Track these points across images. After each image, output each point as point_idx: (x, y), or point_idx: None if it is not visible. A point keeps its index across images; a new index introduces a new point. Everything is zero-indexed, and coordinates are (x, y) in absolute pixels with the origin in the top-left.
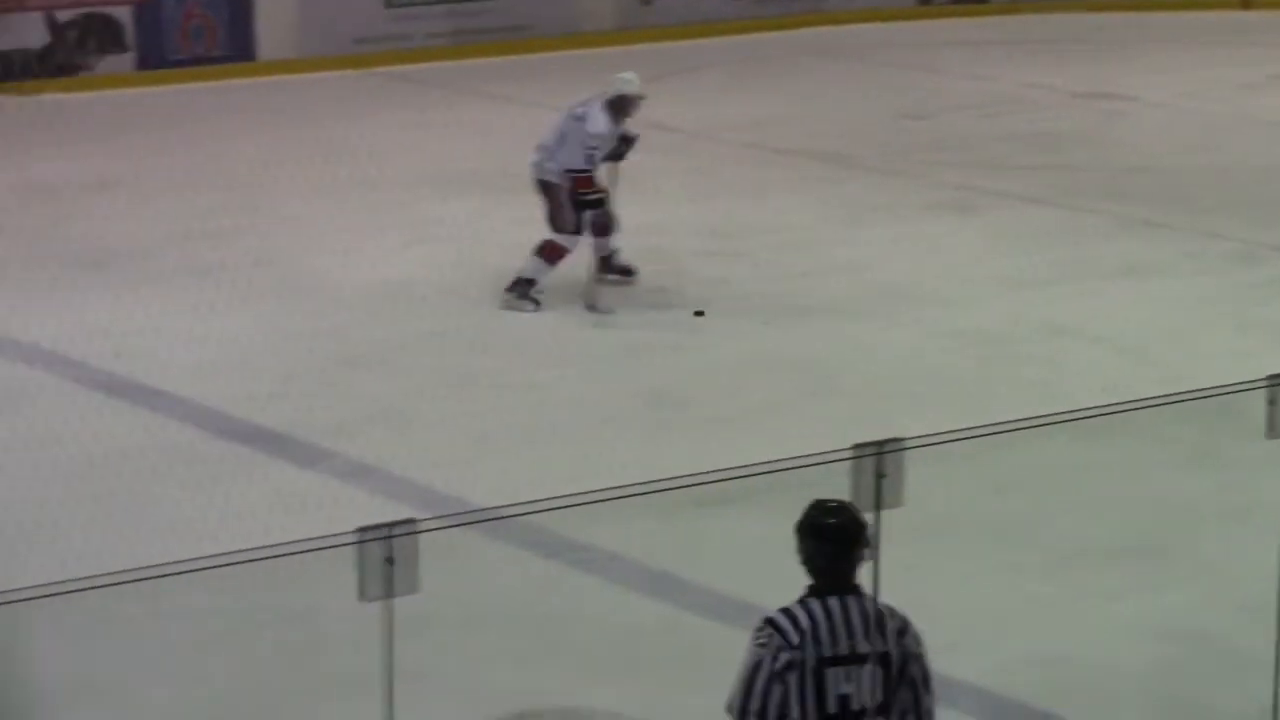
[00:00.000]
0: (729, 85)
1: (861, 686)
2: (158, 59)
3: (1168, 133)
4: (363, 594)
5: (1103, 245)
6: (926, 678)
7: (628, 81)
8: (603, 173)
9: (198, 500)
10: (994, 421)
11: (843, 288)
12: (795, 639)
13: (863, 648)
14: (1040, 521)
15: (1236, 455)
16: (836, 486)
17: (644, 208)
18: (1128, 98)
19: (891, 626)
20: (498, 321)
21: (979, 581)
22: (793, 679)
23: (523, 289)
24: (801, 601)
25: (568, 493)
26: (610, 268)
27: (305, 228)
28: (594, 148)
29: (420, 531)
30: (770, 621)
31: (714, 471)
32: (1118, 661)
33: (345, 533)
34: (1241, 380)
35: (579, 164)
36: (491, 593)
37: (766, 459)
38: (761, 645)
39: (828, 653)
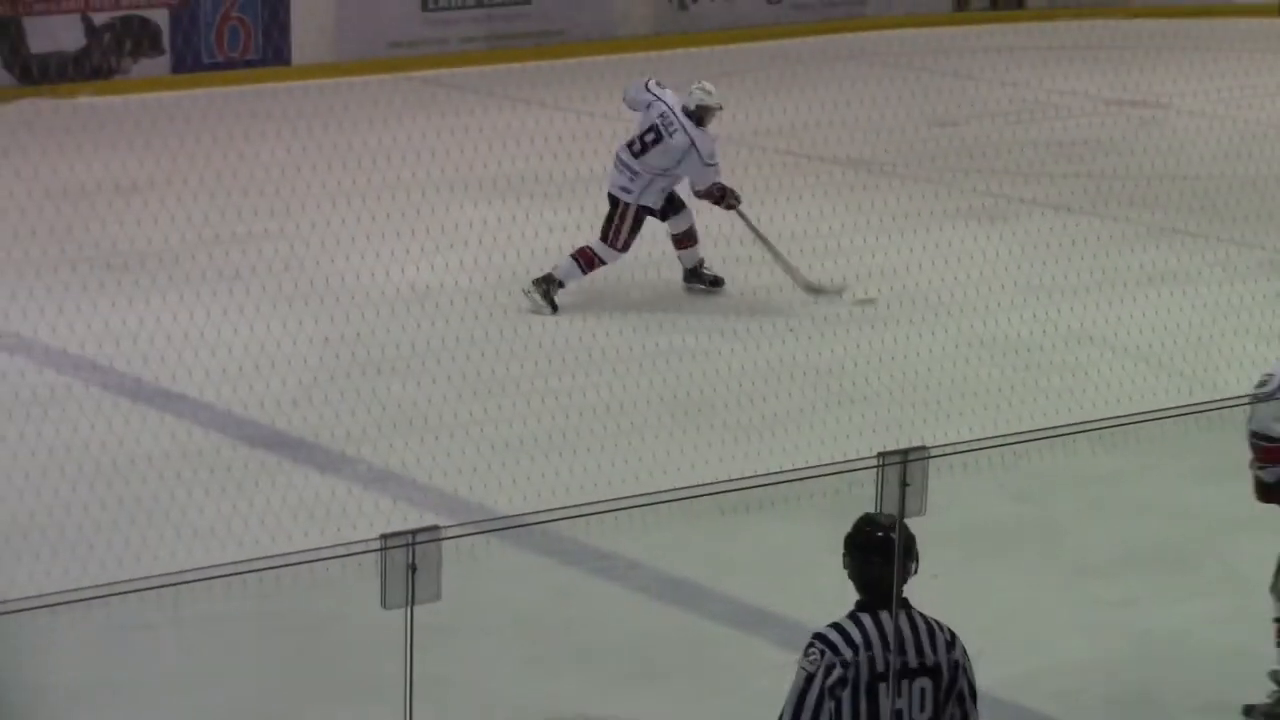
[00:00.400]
0: (764, 90)
1: (913, 701)
2: (193, 62)
3: (1200, 140)
4: (385, 601)
5: (1131, 254)
6: (974, 691)
7: (708, 93)
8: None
9: (221, 506)
10: (1018, 430)
11: (871, 294)
12: (848, 654)
13: (914, 662)
14: (1063, 530)
15: None
16: (861, 495)
17: None
18: (1160, 105)
19: (941, 639)
20: (524, 327)
21: (1001, 591)
22: (845, 695)
23: (548, 286)
24: (851, 616)
25: (591, 500)
26: (700, 278)
27: (333, 232)
28: (716, 163)
29: (443, 539)
30: (820, 637)
31: (738, 479)
32: (1137, 672)
33: (368, 539)
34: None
35: (709, 180)
36: (514, 600)
37: (791, 467)
38: (813, 661)
39: (880, 668)
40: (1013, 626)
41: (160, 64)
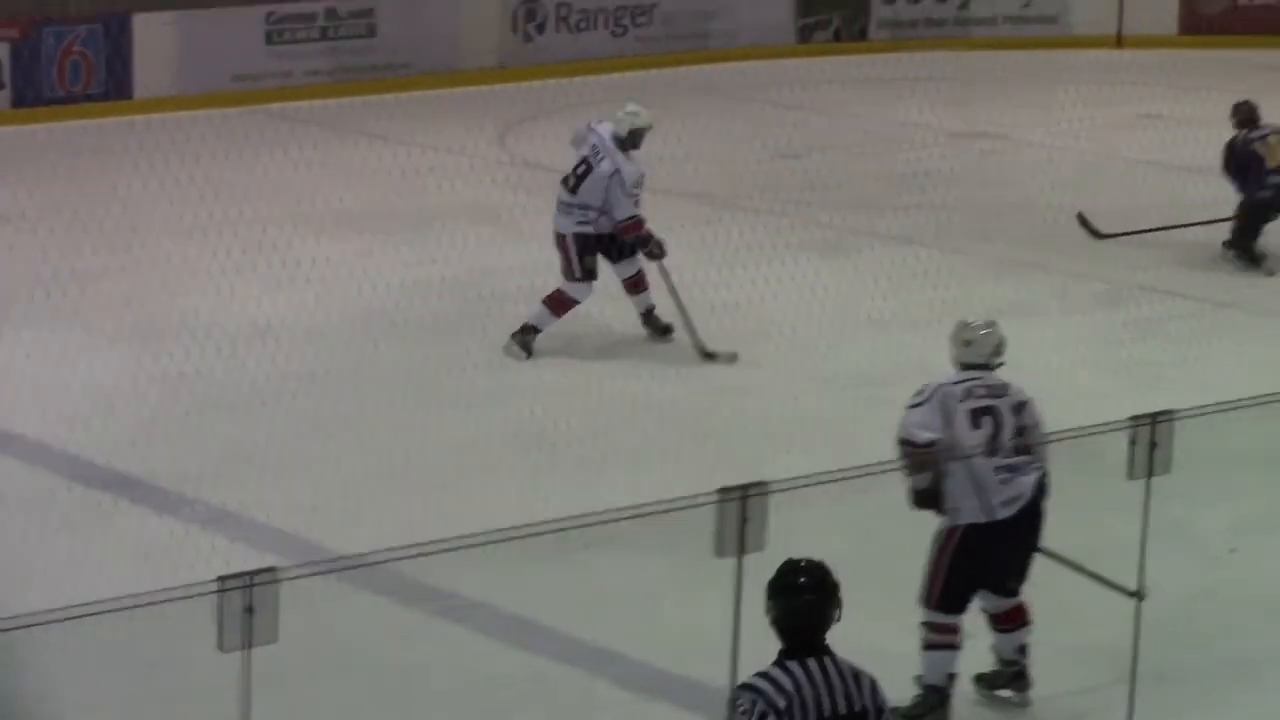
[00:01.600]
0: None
1: None
2: (34, 97)
3: (1040, 172)
4: (222, 644)
5: (972, 286)
6: None
7: (636, 115)
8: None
9: (55, 549)
10: (860, 464)
11: (716, 330)
12: (781, 702)
13: (843, 708)
14: (904, 565)
15: (1097, 496)
16: (701, 530)
17: (522, 248)
18: (1001, 137)
19: (866, 683)
20: (367, 364)
21: (840, 625)
22: None
23: (526, 336)
24: (778, 664)
25: (432, 539)
26: (651, 324)
27: (177, 268)
28: (636, 194)
29: (281, 580)
30: (750, 687)
31: (580, 516)
32: (971, 709)
33: (205, 581)
34: (1104, 421)
35: (629, 212)
36: (353, 642)
37: (633, 503)
38: (744, 713)
39: (813, 715)
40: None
41: (0, 98)
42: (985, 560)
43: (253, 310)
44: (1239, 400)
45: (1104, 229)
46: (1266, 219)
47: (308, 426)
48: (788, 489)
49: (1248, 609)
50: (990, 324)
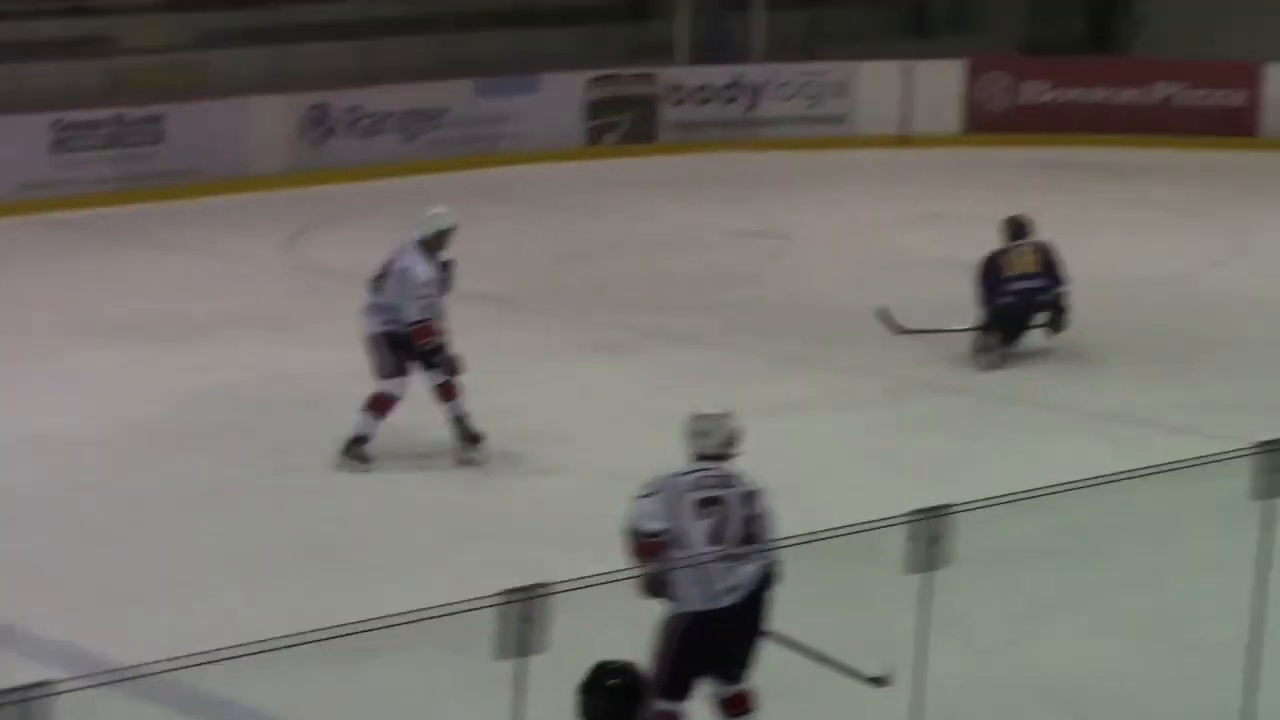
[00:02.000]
0: (399, 227)
1: None
2: None
3: (825, 271)
4: None
5: (757, 384)
6: None
7: (439, 217)
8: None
9: None
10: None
11: (501, 431)
12: None
13: None
14: None
15: (878, 591)
16: (483, 633)
17: (303, 353)
18: (788, 236)
19: None
20: (144, 473)
21: None
22: None
23: (355, 448)
24: None
25: (212, 647)
26: (463, 431)
27: None
28: (425, 295)
29: (58, 693)
30: None
31: (361, 621)
32: None
33: None
34: (884, 517)
35: (415, 315)
36: None
37: (417, 607)
38: None
39: None
40: None
41: None
42: (709, 647)
43: (28, 420)
44: (1016, 493)
45: (900, 326)
46: (1019, 324)
47: (86, 536)
48: (573, 589)
49: (1026, 698)
50: (723, 415)
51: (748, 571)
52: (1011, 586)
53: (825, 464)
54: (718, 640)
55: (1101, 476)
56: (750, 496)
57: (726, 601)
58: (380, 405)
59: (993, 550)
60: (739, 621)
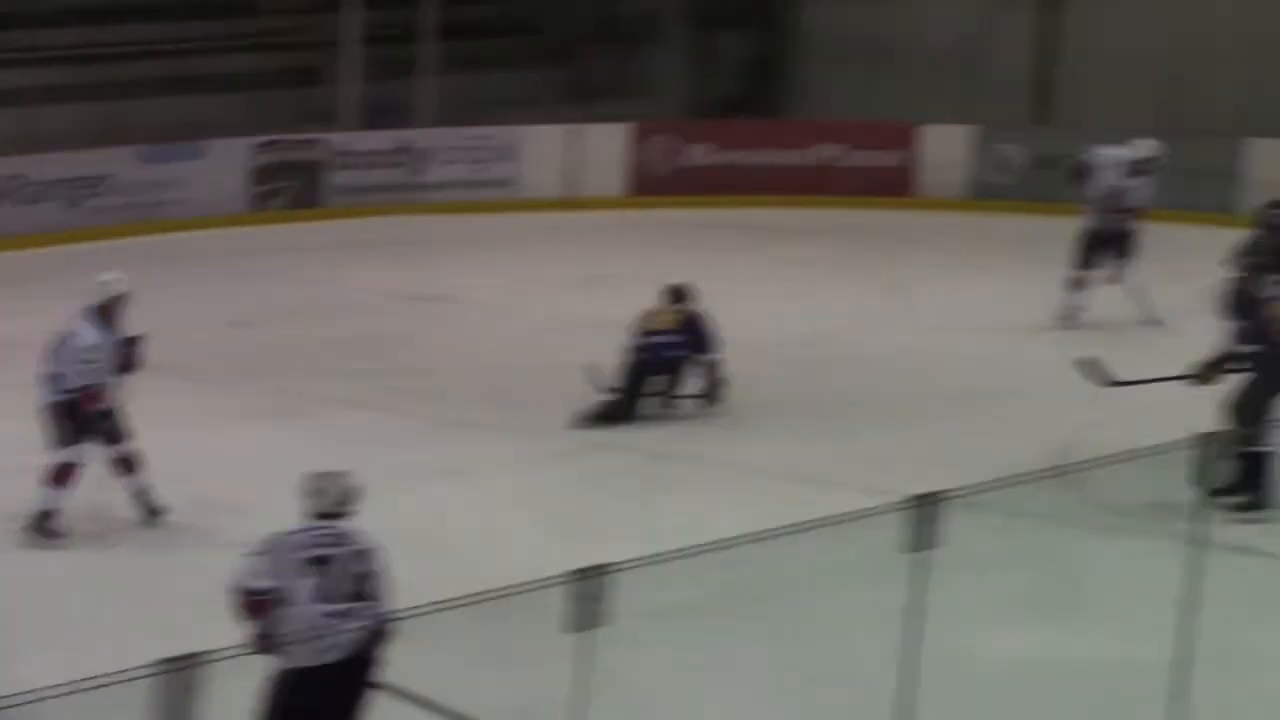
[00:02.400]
0: (64, 295)
1: None
2: None
3: (490, 333)
4: None
5: (420, 447)
6: None
7: (110, 283)
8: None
9: None
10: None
11: (174, 500)
12: None
13: None
14: None
15: (539, 650)
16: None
17: None
18: (453, 299)
19: None
20: None
21: None
22: None
23: (43, 523)
24: None
25: None
26: (145, 505)
27: None
28: (89, 360)
29: None
30: None
31: (5, 697)
32: None
33: None
34: (547, 576)
35: (77, 381)
36: None
37: (68, 679)
38: None
39: None
40: None
41: None
42: (314, 703)
43: None
44: (676, 551)
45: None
46: (638, 381)
47: None
48: (230, 657)
49: None
50: (337, 474)
51: (356, 628)
52: (673, 644)
53: (489, 525)
54: (324, 696)
55: (761, 532)
56: (362, 554)
57: (333, 658)
58: (61, 476)
59: (654, 608)
60: (345, 678)
